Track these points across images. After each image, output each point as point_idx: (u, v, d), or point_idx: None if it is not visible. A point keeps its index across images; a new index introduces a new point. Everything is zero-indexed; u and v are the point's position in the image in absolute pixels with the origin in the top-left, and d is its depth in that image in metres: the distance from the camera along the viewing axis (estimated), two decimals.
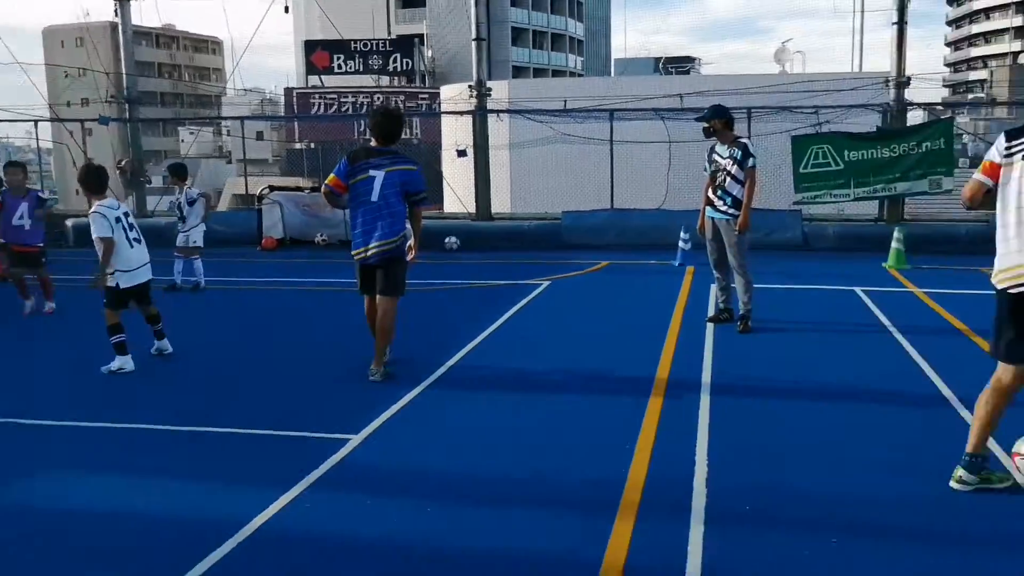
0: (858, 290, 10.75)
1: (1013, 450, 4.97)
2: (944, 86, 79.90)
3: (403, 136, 7.49)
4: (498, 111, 17.63)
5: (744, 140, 8.76)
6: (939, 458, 5.02)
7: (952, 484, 4.75)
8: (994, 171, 4.62)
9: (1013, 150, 4.57)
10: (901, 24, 15.08)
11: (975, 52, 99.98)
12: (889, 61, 15.48)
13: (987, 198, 4.68)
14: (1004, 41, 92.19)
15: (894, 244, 12.79)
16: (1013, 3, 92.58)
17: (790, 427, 5.86)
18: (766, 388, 6.79)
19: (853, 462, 5.20)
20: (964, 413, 5.86)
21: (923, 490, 4.76)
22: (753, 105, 16.06)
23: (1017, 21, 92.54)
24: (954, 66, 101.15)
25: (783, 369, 7.37)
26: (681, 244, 13.55)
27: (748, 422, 5.96)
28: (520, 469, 5.20)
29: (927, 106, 15.93)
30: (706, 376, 7.06)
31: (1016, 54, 75.85)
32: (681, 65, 51.61)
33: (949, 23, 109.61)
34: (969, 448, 4.73)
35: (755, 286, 8.85)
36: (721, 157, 8.71)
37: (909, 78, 15.10)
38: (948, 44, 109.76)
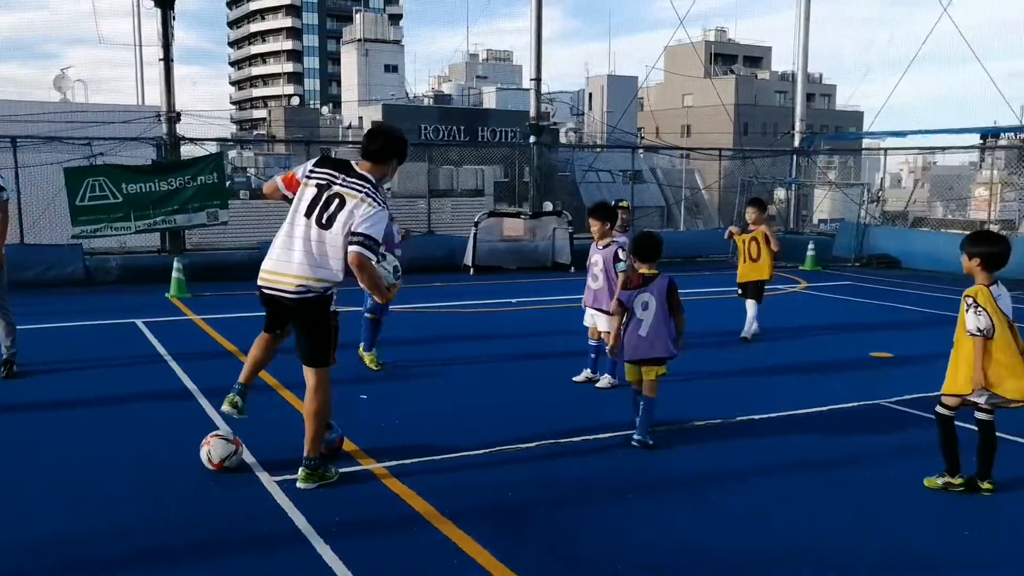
0: (139, 322, 10.77)
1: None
2: (232, 122, 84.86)
3: None
4: None
5: None
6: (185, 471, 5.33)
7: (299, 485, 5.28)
8: (293, 184, 5.27)
9: (313, 176, 5.21)
10: (167, 61, 15.53)
11: (257, 92, 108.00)
12: (159, 96, 15.83)
13: (285, 199, 5.32)
14: (279, 84, 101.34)
15: (175, 274, 13.15)
16: (284, 51, 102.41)
17: (45, 470, 5.61)
18: (27, 431, 6.40)
19: (100, 490, 5.22)
20: (219, 421, 6.28)
21: (179, 512, 5.00)
22: (20, 134, 15.00)
23: (288, 67, 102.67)
24: (240, 104, 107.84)
25: (47, 408, 7.02)
26: None
27: None
28: None
29: (201, 141, 16.66)
30: None
31: (289, 97, 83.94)
32: None
33: (232, 64, 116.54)
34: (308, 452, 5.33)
35: (30, 327, 8.28)
36: None
37: (179, 113, 15.65)
38: (233, 83, 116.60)
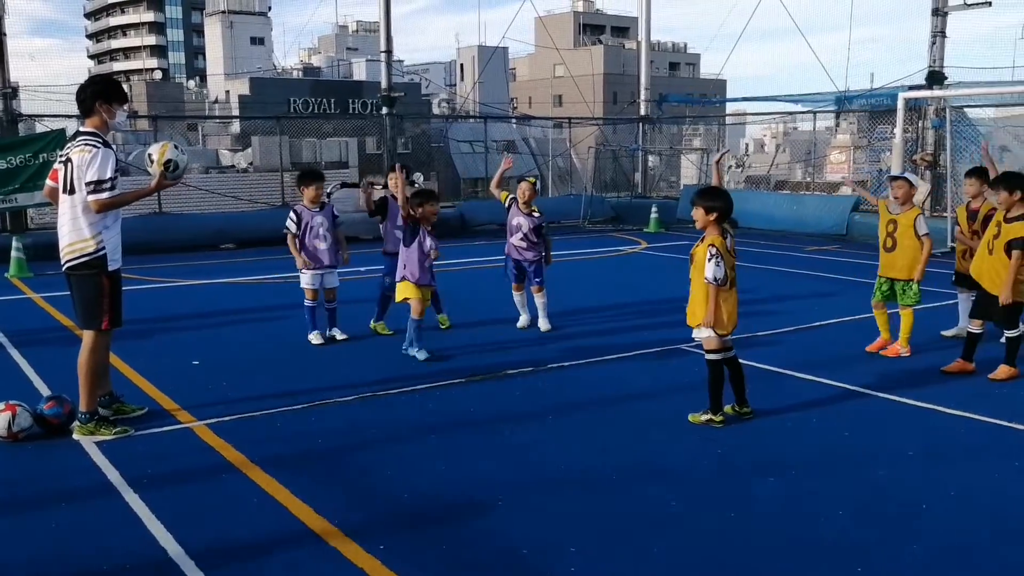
0: None
1: None
2: None
3: None
4: None
5: None
6: None
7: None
8: (55, 175, 5.72)
9: (60, 160, 5.68)
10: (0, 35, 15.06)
11: (118, 67, 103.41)
12: None
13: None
14: (141, 58, 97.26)
15: (14, 254, 12.90)
16: (145, 24, 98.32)
17: None
18: None
19: None
20: (45, 391, 6.45)
21: None
22: None
23: (151, 40, 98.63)
24: None
25: None
26: None
27: None
28: None
29: (40, 117, 16.21)
30: None
31: (152, 71, 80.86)
32: None
33: (90, 36, 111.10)
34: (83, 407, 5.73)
35: None
36: None
37: (15, 88, 15.21)
38: (91, 57, 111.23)
